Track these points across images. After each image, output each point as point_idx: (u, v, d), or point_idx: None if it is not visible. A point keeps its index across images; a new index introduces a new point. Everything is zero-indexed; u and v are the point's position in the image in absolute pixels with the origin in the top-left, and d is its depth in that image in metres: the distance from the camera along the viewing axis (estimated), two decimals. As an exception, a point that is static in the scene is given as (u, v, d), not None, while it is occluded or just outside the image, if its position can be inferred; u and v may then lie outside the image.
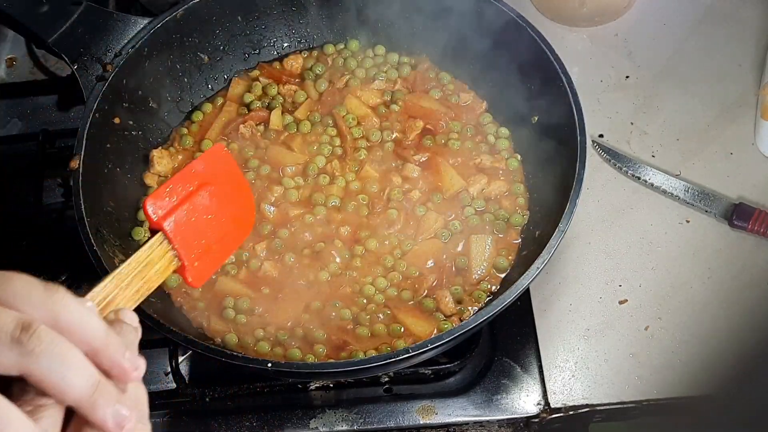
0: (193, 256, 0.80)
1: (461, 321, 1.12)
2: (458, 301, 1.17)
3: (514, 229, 1.24)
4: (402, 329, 1.15)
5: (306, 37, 1.43)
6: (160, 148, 1.31)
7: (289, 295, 1.18)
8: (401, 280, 1.19)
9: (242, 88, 1.38)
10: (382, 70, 1.39)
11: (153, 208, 0.78)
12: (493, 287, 1.19)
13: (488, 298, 1.18)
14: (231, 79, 1.39)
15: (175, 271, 0.79)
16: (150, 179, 1.28)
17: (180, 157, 1.32)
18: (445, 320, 1.15)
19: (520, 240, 1.23)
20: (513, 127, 1.32)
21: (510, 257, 1.21)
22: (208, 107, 1.37)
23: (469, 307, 1.16)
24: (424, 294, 1.18)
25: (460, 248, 1.22)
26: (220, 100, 1.38)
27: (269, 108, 1.35)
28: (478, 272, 1.19)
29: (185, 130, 1.35)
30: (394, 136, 1.32)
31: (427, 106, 1.34)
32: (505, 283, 1.18)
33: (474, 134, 1.33)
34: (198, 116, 1.36)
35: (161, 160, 1.29)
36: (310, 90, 1.37)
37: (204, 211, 0.82)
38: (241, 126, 1.32)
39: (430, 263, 1.20)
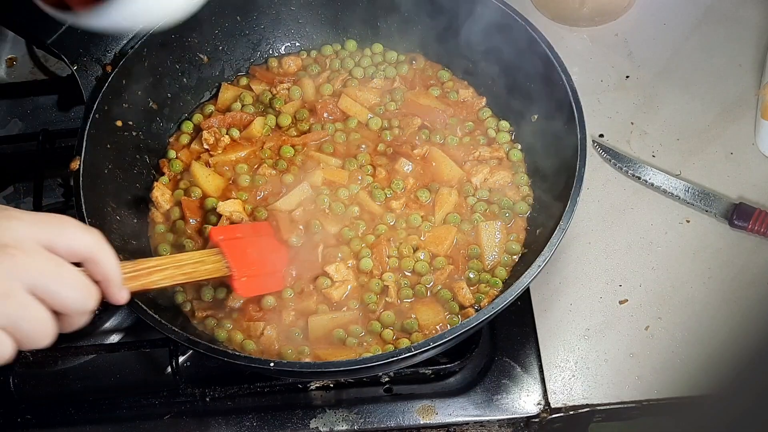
0: (241, 272, 1.07)
1: (478, 311, 1.12)
2: (475, 290, 1.17)
3: (520, 217, 1.24)
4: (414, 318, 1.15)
5: (305, 37, 1.43)
6: (158, 182, 1.28)
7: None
8: (411, 275, 1.20)
9: (232, 94, 1.38)
10: (381, 69, 1.39)
11: (216, 232, 1.12)
12: (508, 270, 1.20)
13: (507, 278, 1.18)
14: (220, 86, 1.39)
15: (227, 280, 1.08)
16: (158, 217, 1.26)
17: (172, 184, 1.29)
18: (459, 312, 1.15)
19: (526, 226, 1.23)
20: (513, 125, 1.33)
21: (520, 241, 1.22)
22: (198, 117, 1.36)
23: (485, 297, 1.16)
24: (441, 286, 1.18)
25: (470, 237, 1.22)
26: (210, 108, 1.37)
27: (258, 114, 1.34)
28: (491, 258, 1.20)
29: (173, 153, 1.32)
30: (391, 132, 1.32)
31: (426, 103, 1.34)
32: (519, 268, 1.19)
33: (472, 130, 1.33)
34: (188, 126, 1.35)
35: (164, 196, 1.26)
36: (306, 88, 1.37)
37: (249, 249, 1.11)
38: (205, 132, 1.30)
39: (441, 258, 1.20)
